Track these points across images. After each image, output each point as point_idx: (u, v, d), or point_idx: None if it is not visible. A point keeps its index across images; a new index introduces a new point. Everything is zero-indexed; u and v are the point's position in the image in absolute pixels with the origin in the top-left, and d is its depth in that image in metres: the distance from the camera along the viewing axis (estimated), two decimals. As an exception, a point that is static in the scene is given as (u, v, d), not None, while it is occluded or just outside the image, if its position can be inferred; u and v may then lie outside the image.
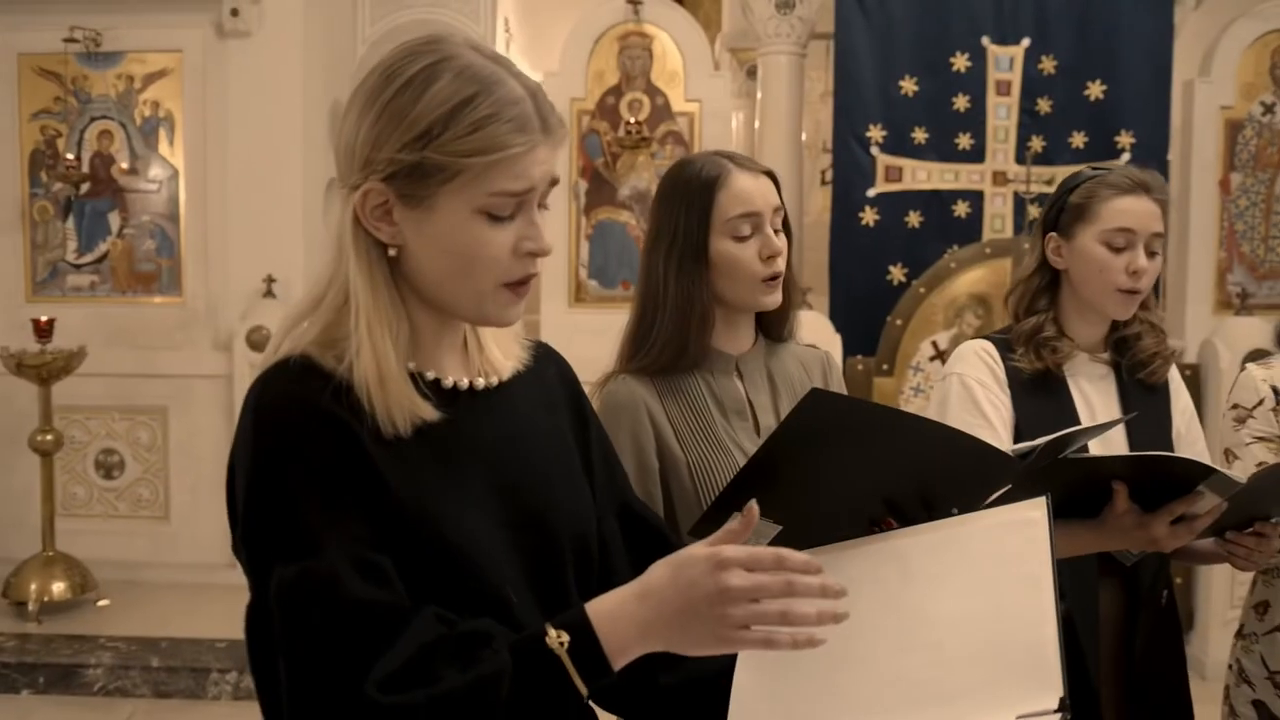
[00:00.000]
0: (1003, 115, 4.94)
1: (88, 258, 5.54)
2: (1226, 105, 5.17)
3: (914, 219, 4.95)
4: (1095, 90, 4.90)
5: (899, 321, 4.52)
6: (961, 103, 4.93)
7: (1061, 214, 2.01)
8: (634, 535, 1.35)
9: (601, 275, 5.55)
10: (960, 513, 1.38)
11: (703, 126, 5.47)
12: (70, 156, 5.39)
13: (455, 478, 1.16)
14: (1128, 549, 1.83)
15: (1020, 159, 4.87)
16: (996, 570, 1.17)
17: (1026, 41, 4.92)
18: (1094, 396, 2.02)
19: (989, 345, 2.04)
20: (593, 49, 5.45)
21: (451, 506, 1.13)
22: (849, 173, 4.96)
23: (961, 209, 4.96)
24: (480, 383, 1.23)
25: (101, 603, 5.11)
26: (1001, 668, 1.11)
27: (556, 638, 1.03)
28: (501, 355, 1.26)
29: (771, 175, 1.79)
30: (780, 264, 1.74)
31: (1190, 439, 2.09)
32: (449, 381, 1.20)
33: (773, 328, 1.85)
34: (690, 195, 1.73)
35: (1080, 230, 1.97)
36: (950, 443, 1.36)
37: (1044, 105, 4.92)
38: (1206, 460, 2.06)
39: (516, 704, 1.03)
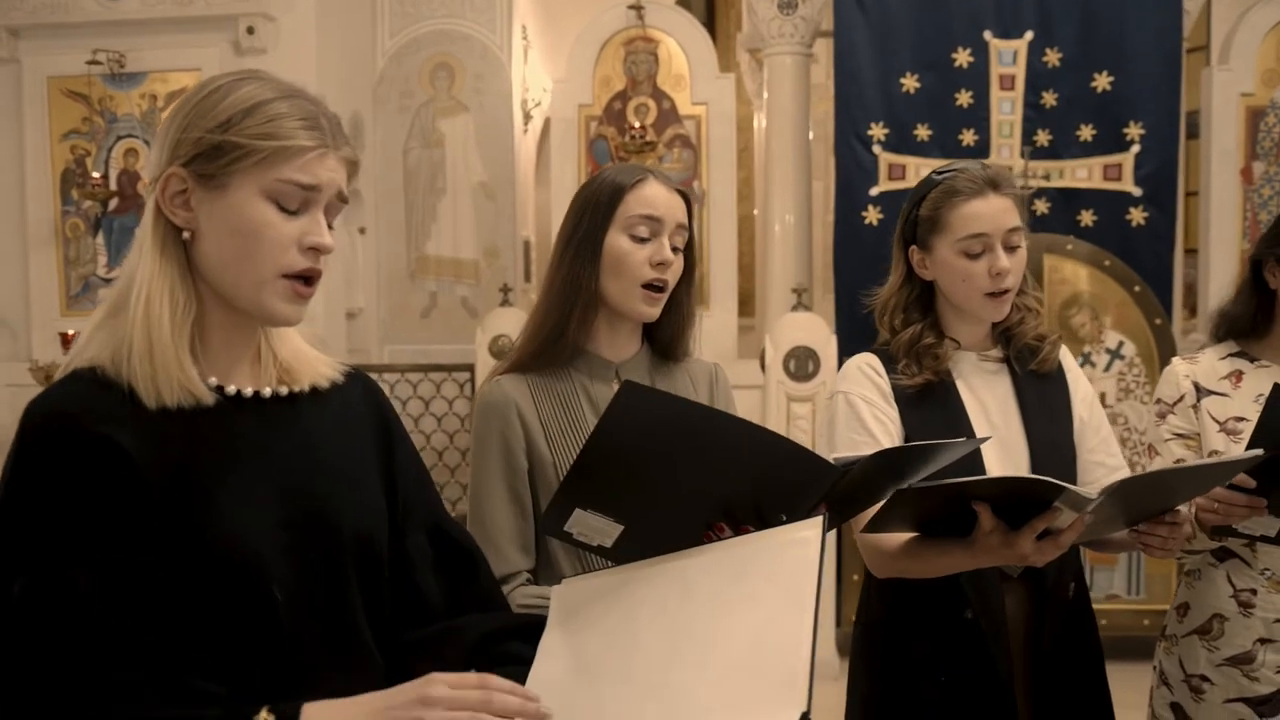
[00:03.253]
0: (1007, 110, 4.87)
1: (116, 271, 5.71)
2: (1247, 92, 5.05)
3: (918, 217, 4.90)
4: (1102, 81, 4.81)
5: (902, 321, 4.48)
6: (964, 98, 4.88)
7: (916, 227, 1.97)
8: (445, 556, 1.37)
9: (613, 279, 5.59)
10: (788, 519, 1.38)
11: (710, 129, 5.49)
12: (97, 175, 5.58)
13: (229, 479, 1.18)
14: (998, 565, 1.80)
15: (1026, 154, 4.80)
16: (766, 588, 1.19)
17: (1030, 34, 4.85)
18: (987, 396, 1.99)
19: (873, 359, 2.01)
20: (598, 55, 5.50)
21: (221, 506, 1.16)
22: (851, 172, 4.93)
23: (966, 206, 4.89)
24: (267, 391, 1.26)
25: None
26: (756, 682, 1.13)
27: (265, 716, 1.08)
28: (301, 369, 1.29)
29: (686, 198, 1.81)
30: (667, 276, 1.75)
31: (1094, 424, 2.04)
32: (232, 389, 1.22)
33: (665, 348, 1.86)
34: (601, 194, 1.76)
35: (935, 242, 1.93)
36: (768, 446, 1.36)
37: (1049, 99, 4.84)
38: (1115, 448, 2.04)
39: None
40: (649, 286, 1.74)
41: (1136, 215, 4.84)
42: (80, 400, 1.14)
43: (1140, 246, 4.77)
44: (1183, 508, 1.79)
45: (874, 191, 4.92)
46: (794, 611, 1.14)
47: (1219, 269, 5.06)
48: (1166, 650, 2.14)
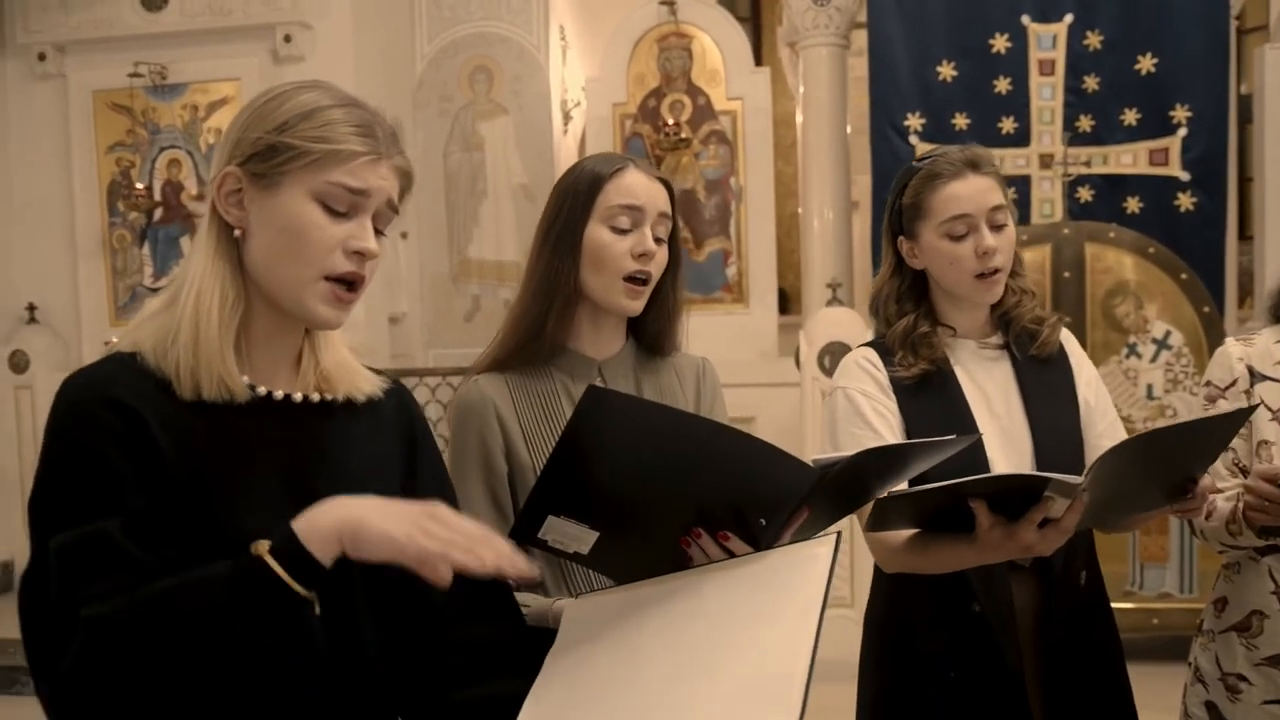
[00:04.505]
0: (1047, 96, 4.75)
1: (162, 281, 5.81)
2: (1301, 71, 4.88)
3: (957, 208, 4.80)
4: (1146, 64, 4.68)
5: (939, 313, 4.39)
6: (1003, 85, 4.77)
7: (901, 217, 1.94)
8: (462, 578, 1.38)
9: (651, 278, 5.55)
10: (766, 524, 1.35)
11: (746, 124, 5.43)
12: (141, 186, 5.67)
13: (245, 479, 1.20)
14: (1005, 559, 1.75)
15: (1066, 140, 4.68)
16: (774, 604, 1.19)
17: (1069, 18, 4.72)
18: (988, 384, 1.94)
19: (870, 352, 1.97)
20: (632, 52, 5.47)
21: (235, 505, 1.18)
22: (887, 163, 4.83)
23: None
24: (298, 396, 1.27)
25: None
26: (751, 699, 1.13)
27: (258, 547, 1.11)
28: (340, 380, 1.32)
29: (668, 187, 1.77)
30: (650, 267, 1.69)
31: (1101, 408, 1.98)
32: (263, 390, 1.25)
33: (651, 343, 1.82)
34: (579, 184, 1.71)
35: (921, 228, 1.90)
36: (744, 449, 1.31)
37: (1091, 83, 4.72)
38: (1123, 433, 1.97)
39: (232, 613, 1.10)
40: (631, 279, 1.68)
41: (1185, 200, 4.69)
42: (115, 379, 1.18)
43: (1189, 233, 4.63)
44: (1206, 478, 1.72)
45: (912, 183, 4.81)
46: (798, 627, 1.14)
47: (1275, 254, 4.89)
48: (1203, 646, 2.05)
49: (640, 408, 1.34)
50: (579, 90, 6.80)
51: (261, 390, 1.25)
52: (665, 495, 1.33)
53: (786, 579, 1.21)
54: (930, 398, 1.91)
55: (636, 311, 1.72)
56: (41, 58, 5.79)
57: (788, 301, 7.05)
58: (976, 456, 1.83)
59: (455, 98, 6.50)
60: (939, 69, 4.79)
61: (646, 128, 5.47)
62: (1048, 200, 4.77)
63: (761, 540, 1.35)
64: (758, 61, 7.33)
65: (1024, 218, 4.74)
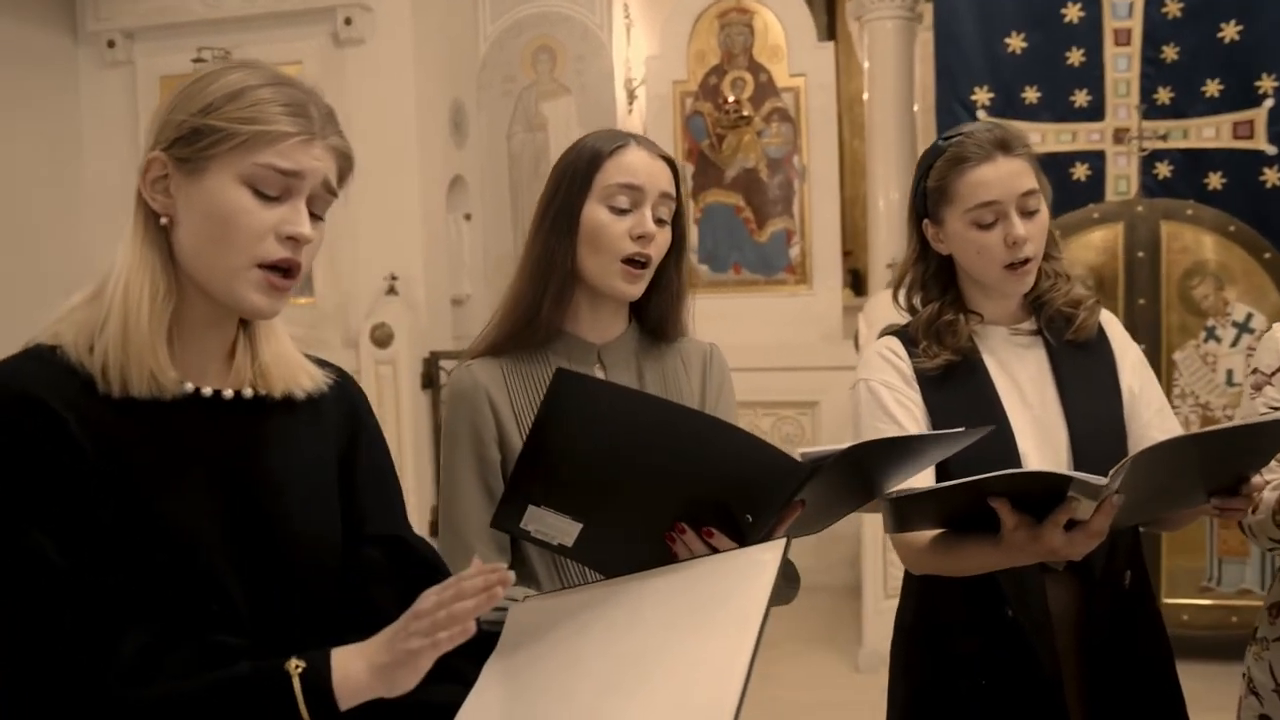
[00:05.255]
0: (1123, 67, 4.53)
1: (228, 264, 5.87)
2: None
3: (1027, 185, 4.61)
4: (1230, 31, 4.42)
5: (1002, 296, 4.22)
6: (1076, 56, 4.56)
7: (926, 199, 1.82)
8: (402, 568, 1.33)
9: (712, 260, 5.46)
10: (753, 520, 1.27)
11: (809, 100, 5.29)
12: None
13: (174, 480, 1.16)
14: (1031, 563, 1.64)
15: (1145, 113, 4.45)
16: (714, 613, 1.14)
17: (1147, -16, 4.50)
18: (1020, 373, 1.82)
19: (893, 342, 1.87)
20: (692, 29, 5.37)
21: (163, 508, 1.15)
22: (954, 140, 4.66)
23: (1081, 172, 4.59)
24: (229, 393, 1.23)
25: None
26: (683, 710, 1.08)
27: (295, 665, 1.11)
28: (279, 374, 1.27)
29: (672, 165, 1.69)
30: (649, 250, 1.62)
31: (1146, 396, 1.85)
32: (190, 386, 1.20)
33: (654, 328, 1.74)
34: (579, 162, 1.65)
35: (946, 214, 1.79)
36: (728, 441, 1.23)
37: (1170, 53, 4.48)
38: (1173, 422, 1.86)
39: (243, 716, 1.09)
40: (629, 262, 1.61)
41: (1271, 176, 4.44)
42: (32, 374, 1.13)
43: (1275, 210, 4.38)
44: (1256, 476, 1.60)
45: (980, 160, 4.63)
46: (735, 639, 1.08)
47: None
48: (1256, 656, 1.91)
49: (611, 392, 1.27)
50: (643, 69, 6.72)
51: (190, 387, 1.19)
52: (644, 487, 1.26)
53: (729, 587, 1.15)
54: (957, 388, 1.80)
55: (634, 296, 1.65)
56: (111, 45, 5.87)
57: (863, 283, 6.89)
58: (1008, 450, 1.73)
59: (518, 78, 6.46)
60: (1008, 40, 4.60)
61: (707, 105, 5.36)
62: (1123, 177, 4.56)
63: (749, 537, 1.27)
64: (831, 37, 7.17)
65: (1098, 195, 4.53)
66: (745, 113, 5.21)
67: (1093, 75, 4.56)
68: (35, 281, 5.74)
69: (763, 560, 1.15)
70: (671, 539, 1.29)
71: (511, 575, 1.13)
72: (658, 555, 1.29)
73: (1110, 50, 4.54)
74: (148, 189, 1.18)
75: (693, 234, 5.46)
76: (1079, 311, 1.82)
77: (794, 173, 5.36)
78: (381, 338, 5.54)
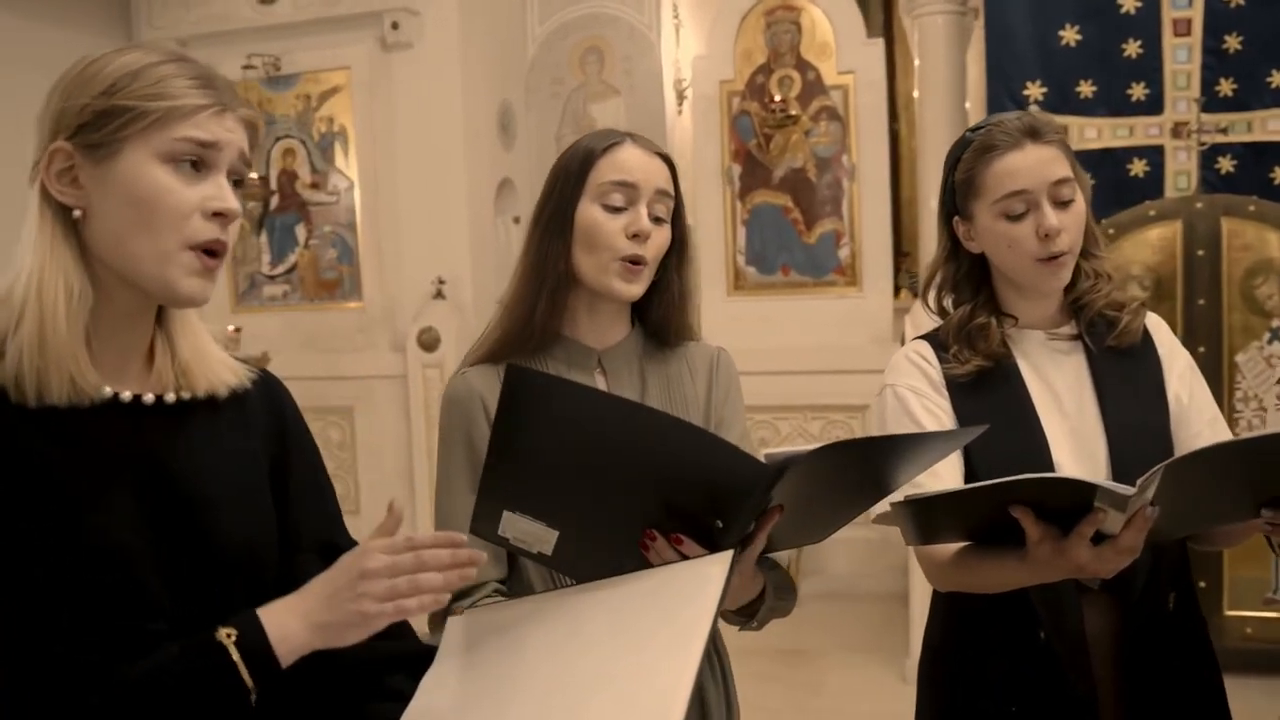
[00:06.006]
0: (1183, 58, 4.37)
1: (279, 269, 5.92)
2: None
3: (1083, 182, 4.48)
4: (1296, 20, 4.25)
5: (1055, 297, 4.09)
6: (1133, 48, 4.41)
7: (955, 195, 1.74)
8: None
9: (760, 261, 5.38)
10: (724, 526, 1.22)
11: (858, 98, 5.19)
12: (254, 175, 5.77)
13: (99, 491, 1.12)
14: (1058, 580, 1.54)
15: (1206, 106, 4.29)
16: (657, 629, 1.09)
17: (1208, -28, 4.34)
18: (1057, 379, 1.73)
19: (923, 346, 1.79)
20: (739, 27, 5.29)
21: (89, 520, 1.11)
22: (1005, 136, 4.53)
23: (1138, 168, 4.44)
24: (150, 398, 1.19)
25: (296, 592, 5.45)
26: None
27: (226, 633, 1.08)
28: (200, 371, 1.23)
29: (669, 162, 1.64)
30: (646, 250, 1.57)
31: (1197, 405, 1.74)
32: (108, 390, 1.15)
33: (656, 331, 1.69)
34: (573, 161, 1.61)
35: (975, 207, 1.70)
36: (692, 443, 1.18)
37: (1233, 42, 4.31)
38: (1226, 434, 1.73)
39: (186, 699, 1.06)
40: (626, 260, 1.57)
41: (1340, 170, 4.27)
42: None
43: (1345, 206, 4.19)
44: None
45: (1032, 156, 4.50)
46: (678, 657, 1.03)
47: None
48: None
49: (565, 390, 1.22)
50: (691, 69, 6.66)
51: (109, 391, 1.14)
52: (611, 491, 1.22)
53: (674, 602, 1.10)
54: (989, 396, 1.71)
55: (632, 296, 1.60)
56: (165, 53, 5.95)
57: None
58: (1041, 461, 1.64)
59: (567, 80, 6.44)
60: (1061, 33, 4.46)
61: (754, 105, 5.28)
62: (1183, 172, 4.40)
63: (721, 544, 1.22)
64: (887, 35, 7.04)
65: (1157, 192, 4.38)
66: (792, 112, 5.12)
67: (1151, 67, 4.41)
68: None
69: (709, 574, 1.10)
70: (645, 546, 1.24)
71: (482, 556, 1.13)
72: (636, 564, 1.25)
73: (1169, 41, 4.39)
74: (54, 183, 1.13)
75: (740, 236, 5.39)
76: (1122, 315, 1.73)
77: (843, 172, 5.26)
78: (429, 341, 5.54)
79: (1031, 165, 1.65)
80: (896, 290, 5.53)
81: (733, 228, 5.37)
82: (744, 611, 1.50)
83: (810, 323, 5.23)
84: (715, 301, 5.41)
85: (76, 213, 1.12)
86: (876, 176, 5.24)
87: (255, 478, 1.25)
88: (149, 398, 1.18)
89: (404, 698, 1.17)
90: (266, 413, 1.30)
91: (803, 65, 5.21)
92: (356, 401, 5.83)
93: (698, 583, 1.10)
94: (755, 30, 5.26)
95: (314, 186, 5.80)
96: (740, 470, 1.16)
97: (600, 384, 1.64)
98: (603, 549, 1.25)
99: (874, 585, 4.89)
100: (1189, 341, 3.91)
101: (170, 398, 1.20)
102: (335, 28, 5.67)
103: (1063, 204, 1.66)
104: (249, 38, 5.76)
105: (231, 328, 5.34)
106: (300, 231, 5.85)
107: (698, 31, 6.58)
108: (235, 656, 1.07)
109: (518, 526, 1.26)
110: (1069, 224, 1.66)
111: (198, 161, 1.12)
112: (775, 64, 5.25)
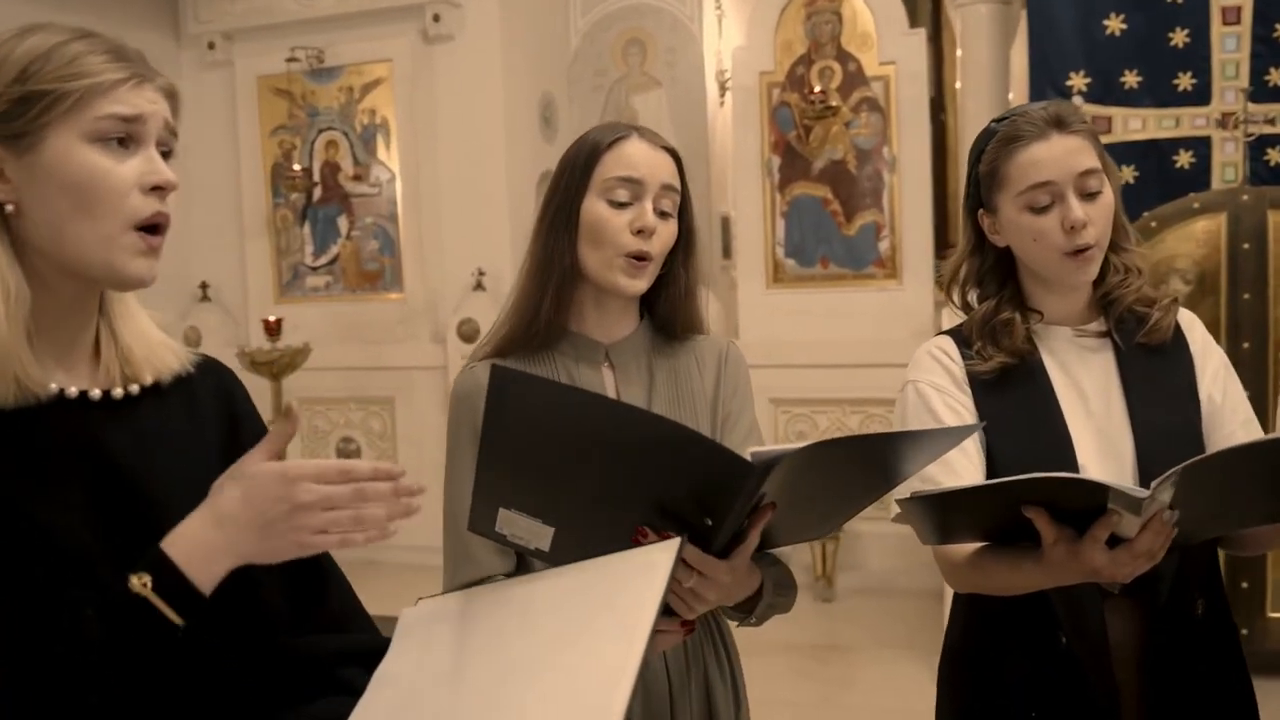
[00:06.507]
0: (1231, 47, 4.27)
1: (322, 260, 5.98)
2: None
3: (1127, 174, 4.39)
4: (1351, 7, 4.14)
5: (1097, 291, 4.01)
6: (1180, 37, 4.31)
7: (979, 187, 1.70)
8: (293, 572, 1.23)
9: (799, 254, 5.34)
10: (714, 525, 1.21)
11: (899, 89, 5.13)
12: (296, 168, 5.83)
13: (47, 490, 1.10)
14: (1075, 583, 1.50)
15: (1254, 96, 4.19)
16: (602, 621, 1.08)
17: (1259, -42, 4.23)
18: (1084, 377, 1.68)
19: (946, 342, 1.75)
20: (779, 19, 5.25)
21: (40, 519, 1.08)
22: (1048, 128, 4.45)
23: (1184, 159, 4.34)
24: (97, 393, 1.16)
25: (335, 580, 5.51)
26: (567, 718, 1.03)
27: (139, 581, 1.04)
28: (144, 358, 1.21)
29: (675, 155, 1.63)
30: (651, 245, 1.57)
31: (1230, 405, 1.68)
32: (54, 387, 1.13)
33: (664, 325, 1.68)
34: (579, 156, 1.61)
35: (1000, 200, 1.66)
36: (675, 440, 1.17)
37: (1284, 30, 4.21)
38: (1254, 431, 1.68)
39: (113, 656, 1.02)
40: (631, 256, 1.57)
41: (1394, 161, 4.15)
42: None
43: (1398, 198, 4.08)
44: None
45: (1075, 148, 4.42)
46: (620, 649, 1.02)
47: None
48: None
49: (545, 389, 1.22)
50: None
51: (55, 388, 1.12)
52: (600, 488, 1.21)
53: (619, 590, 1.08)
54: (1012, 393, 1.67)
55: (637, 292, 1.59)
56: (211, 46, 6.03)
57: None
58: (1065, 462, 1.60)
59: (609, 71, 6.43)
60: (1106, 22, 4.37)
61: (794, 96, 5.24)
62: (1231, 164, 4.30)
63: (714, 541, 1.22)
64: (935, 26, 6.95)
65: (1203, 184, 4.29)
66: (832, 103, 5.07)
67: (1198, 56, 4.31)
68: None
69: (654, 561, 1.09)
70: (637, 542, 1.23)
71: (423, 486, 1.10)
72: None
73: (1218, 30, 4.28)
74: None
75: (779, 228, 5.35)
76: (1152, 311, 1.68)
77: (883, 164, 5.20)
78: (469, 333, 5.58)
79: (1057, 156, 1.61)
80: (938, 283, 5.46)
81: (772, 220, 5.34)
82: (742, 608, 1.49)
83: (849, 316, 5.19)
84: (754, 294, 5.39)
85: (9, 207, 1.09)
86: (918, 168, 5.19)
87: (207, 470, 1.19)
88: (95, 393, 1.15)
89: (357, 691, 1.15)
90: (215, 398, 1.27)
91: (843, 56, 5.16)
92: (397, 392, 5.88)
93: (643, 570, 1.09)
94: (795, 21, 5.22)
95: (356, 178, 5.85)
96: (723, 468, 1.15)
97: (608, 378, 1.64)
98: (599, 546, 1.24)
99: (910, 581, 4.84)
100: (1233, 337, 3.83)
101: (118, 392, 1.17)
102: (378, 20, 5.71)
103: (1090, 195, 1.62)
104: (293, 31, 5.82)
105: (271, 318, 5.41)
106: (342, 223, 5.91)
107: (740, 22, 6.55)
108: (157, 603, 1.03)
109: (515, 523, 1.26)
110: (1096, 216, 1.61)
111: (125, 138, 1.10)
112: (816, 55, 5.20)
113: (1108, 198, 1.64)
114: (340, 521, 1.05)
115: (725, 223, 6.54)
